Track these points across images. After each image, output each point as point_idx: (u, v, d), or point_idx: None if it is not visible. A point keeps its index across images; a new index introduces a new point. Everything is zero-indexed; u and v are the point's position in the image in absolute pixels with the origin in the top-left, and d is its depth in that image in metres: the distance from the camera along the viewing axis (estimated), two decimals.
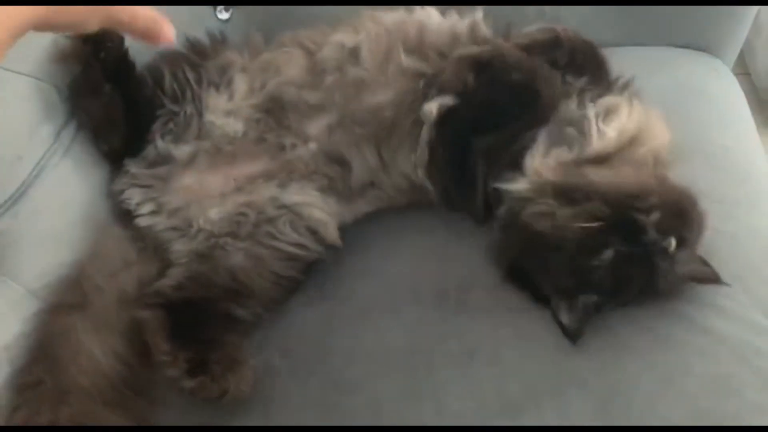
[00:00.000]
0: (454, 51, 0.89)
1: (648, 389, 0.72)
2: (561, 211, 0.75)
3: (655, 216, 0.72)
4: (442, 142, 0.85)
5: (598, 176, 0.77)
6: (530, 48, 0.89)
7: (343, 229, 0.90)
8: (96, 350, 0.77)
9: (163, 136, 0.90)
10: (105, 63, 0.85)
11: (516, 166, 0.81)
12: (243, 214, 0.86)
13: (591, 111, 0.82)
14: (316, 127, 0.89)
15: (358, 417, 0.75)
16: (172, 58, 0.94)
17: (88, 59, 0.85)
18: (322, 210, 0.88)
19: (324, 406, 0.77)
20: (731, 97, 1.08)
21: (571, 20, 1.15)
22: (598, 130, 0.80)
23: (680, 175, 0.89)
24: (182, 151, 0.89)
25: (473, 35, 0.93)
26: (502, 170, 0.81)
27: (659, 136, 0.84)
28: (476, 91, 0.84)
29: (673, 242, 0.73)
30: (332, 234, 0.88)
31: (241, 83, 0.92)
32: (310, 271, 0.88)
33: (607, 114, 0.82)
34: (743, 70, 1.89)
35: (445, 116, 0.85)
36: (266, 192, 0.87)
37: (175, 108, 0.91)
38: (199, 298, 0.82)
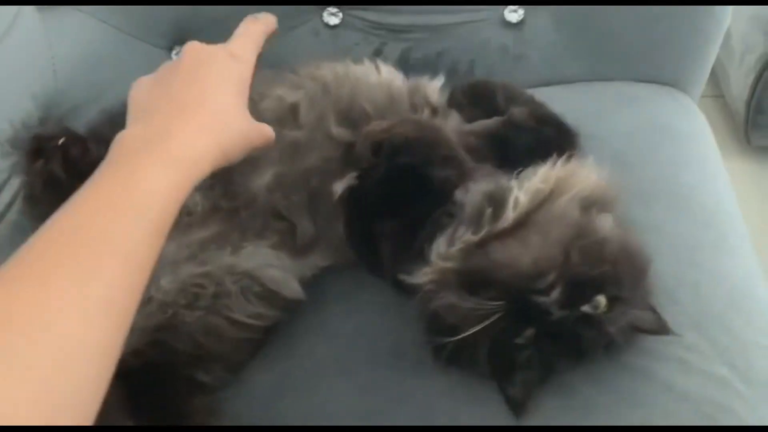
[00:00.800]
0: (387, 116, 0.86)
1: None
2: (464, 303, 0.69)
3: (556, 294, 0.67)
4: (345, 221, 0.83)
5: (500, 254, 0.71)
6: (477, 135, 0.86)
7: (304, 283, 0.87)
8: None
9: None
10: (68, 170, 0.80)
11: (421, 255, 0.75)
12: (200, 285, 0.82)
13: (512, 182, 0.77)
14: (258, 184, 0.86)
15: None
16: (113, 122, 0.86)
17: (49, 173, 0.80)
18: (278, 268, 0.84)
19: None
20: (698, 134, 1.06)
21: (535, 57, 1.13)
22: (515, 200, 0.74)
23: (642, 218, 0.88)
24: None
25: (413, 99, 0.90)
26: (408, 259, 0.76)
27: (584, 180, 0.78)
28: (372, 172, 0.80)
29: (603, 302, 0.69)
30: (293, 290, 0.85)
31: None
32: (273, 332, 0.85)
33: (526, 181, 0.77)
34: (717, 92, 1.88)
35: (348, 195, 0.82)
36: (221, 260, 0.83)
37: None
38: (160, 362, 0.79)
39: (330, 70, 0.91)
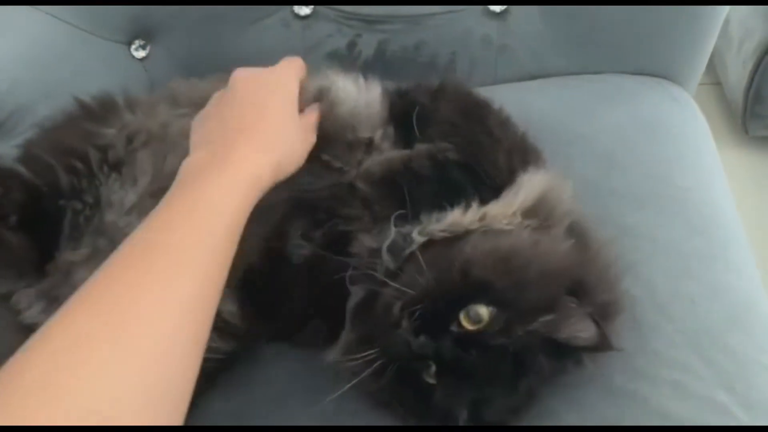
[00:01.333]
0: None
1: None
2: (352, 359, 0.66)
3: (405, 323, 0.61)
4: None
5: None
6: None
7: None
8: None
9: (64, 249, 0.78)
10: (3, 216, 0.75)
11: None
12: None
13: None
14: None
15: None
16: (57, 140, 0.81)
17: None
18: (233, 300, 0.76)
19: None
20: (693, 131, 0.98)
21: (520, 49, 1.06)
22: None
23: (632, 224, 0.82)
24: (81, 254, 0.78)
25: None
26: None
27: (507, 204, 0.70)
28: None
29: (484, 313, 0.61)
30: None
31: (146, 164, 0.79)
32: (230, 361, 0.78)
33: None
34: (714, 80, 1.81)
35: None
36: None
37: (77, 205, 0.79)
38: None
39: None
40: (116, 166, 0.80)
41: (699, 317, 0.74)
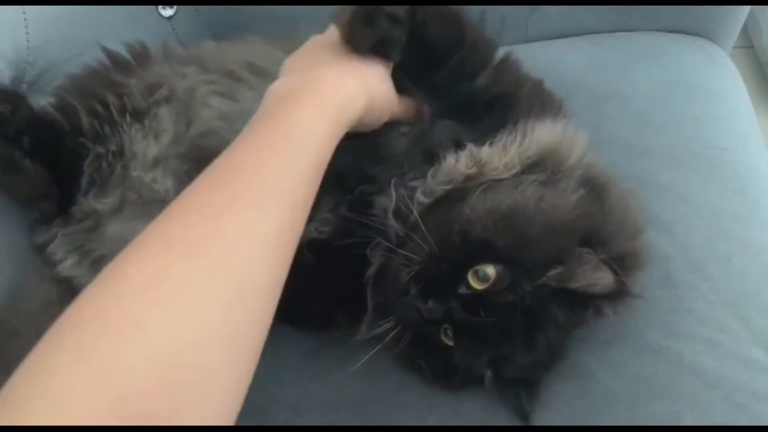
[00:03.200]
0: None
1: None
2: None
3: (413, 290, 0.62)
4: None
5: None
6: None
7: None
8: None
9: (86, 194, 0.80)
10: (16, 138, 0.75)
11: None
12: None
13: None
14: None
15: None
16: (83, 86, 0.82)
17: None
18: None
19: None
20: (730, 89, 0.96)
21: (551, 6, 1.04)
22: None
23: (667, 183, 0.81)
24: (107, 204, 0.79)
25: None
26: None
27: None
28: None
29: (490, 272, 0.60)
30: None
31: (167, 123, 0.80)
32: None
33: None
34: (747, 43, 1.77)
35: None
36: None
37: (100, 149, 0.80)
38: None
39: None
40: (137, 116, 0.81)
41: (735, 276, 0.73)
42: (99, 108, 0.80)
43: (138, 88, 0.81)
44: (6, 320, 0.74)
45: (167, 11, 1.04)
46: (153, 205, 0.78)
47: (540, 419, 0.66)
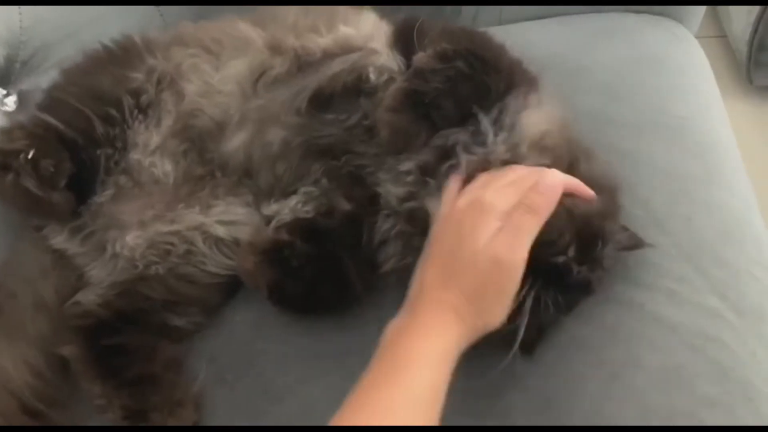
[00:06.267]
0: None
1: (594, 388, 0.68)
2: None
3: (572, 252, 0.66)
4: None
5: None
6: None
7: None
8: (7, 363, 0.73)
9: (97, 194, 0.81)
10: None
11: None
12: (171, 243, 0.79)
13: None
14: (231, 147, 0.80)
15: (290, 423, 0.71)
16: (92, 88, 0.81)
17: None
18: (250, 225, 0.81)
19: (253, 413, 0.73)
20: (693, 65, 1.01)
21: None
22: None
23: (633, 151, 0.85)
24: (106, 195, 0.81)
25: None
26: None
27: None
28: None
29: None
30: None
31: (170, 105, 0.82)
32: None
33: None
34: (719, 33, 1.82)
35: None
36: (191, 220, 0.80)
37: (110, 151, 0.80)
38: (130, 310, 0.77)
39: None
40: (144, 110, 0.82)
41: (694, 232, 0.78)
42: (113, 112, 0.80)
43: (149, 83, 0.82)
44: (4, 283, 0.77)
45: None
46: (146, 186, 0.81)
47: (514, 363, 0.68)
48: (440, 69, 0.70)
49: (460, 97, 0.70)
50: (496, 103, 0.71)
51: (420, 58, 0.73)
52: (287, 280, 0.75)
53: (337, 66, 0.78)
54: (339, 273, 0.75)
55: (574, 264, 0.65)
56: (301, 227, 0.76)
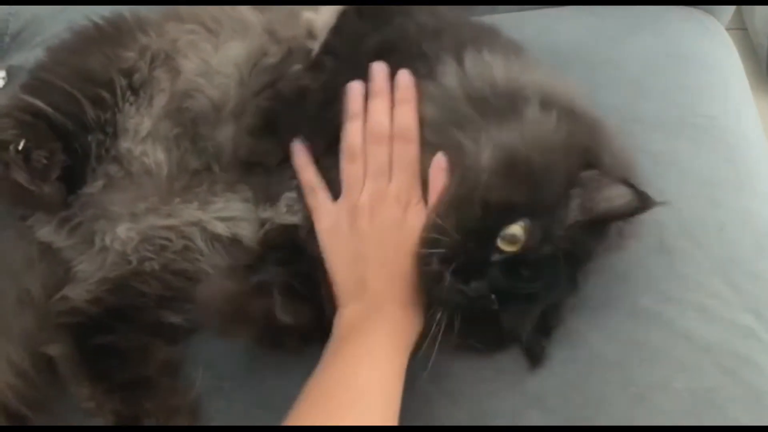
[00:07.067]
0: None
1: (619, 410, 0.63)
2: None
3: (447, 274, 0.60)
4: None
5: None
6: None
7: None
8: None
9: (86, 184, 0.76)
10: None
11: None
12: (166, 238, 0.75)
13: None
14: (224, 134, 0.75)
15: None
16: (83, 69, 0.76)
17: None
18: (249, 221, 0.76)
19: (250, 424, 0.68)
20: (724, 61, 0.96)
21: None
22: None
23: (658, 150, 0.80)
24: (96, 186, 0.76)
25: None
26: None
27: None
28: None
29: (518, 231, 0.59)
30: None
31: (164, 82, 0.77)
32: None
33: None
34: (739, 25, 1.77)
35: None
36: (189, 215, 0.75)
37: (101, 137, 0.76)
38: (122, 307, 0.73)
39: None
40: (135, 91, 0.77)
41: (727, 244, 0.73)
42: (105, 94, 0.75)
43: (142, 61, 0.77)
44: None
45: None
46: (138, 177, 0.76)
47: (534, 382, 0.66)
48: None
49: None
50: None
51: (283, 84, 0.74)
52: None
53: None
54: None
55: (463, 286, 0.59)
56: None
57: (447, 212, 0.62)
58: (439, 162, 0.65)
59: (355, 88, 0.70)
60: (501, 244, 0.59)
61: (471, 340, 0.65)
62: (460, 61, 0.69)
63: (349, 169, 0.68)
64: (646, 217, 0.68)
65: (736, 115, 0.88)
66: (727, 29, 1.07)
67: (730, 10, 1.05)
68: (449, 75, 0.68)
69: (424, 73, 0.69)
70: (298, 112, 0.72)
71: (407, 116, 0.68)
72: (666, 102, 0.86)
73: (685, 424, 0.62)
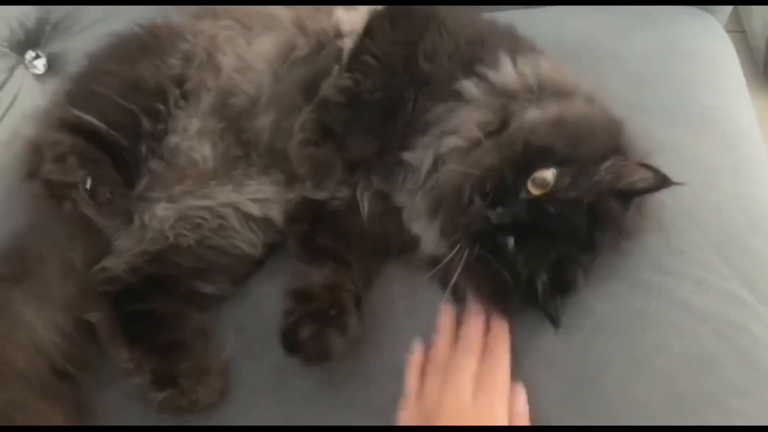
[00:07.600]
0: None
1: (622, 371, 0.68)
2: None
3: (477, 200, 0.66)
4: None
5: None
6: None
7: None
8: (36, 322, 0.72)
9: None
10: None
11: None
12: (202, 218, 0.80)
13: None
14: (262, 122, 0.80)
15: (312, 397, 0.72)
16: (137, 82, 0.80)
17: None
18: (281, 203, 0.82)
19: (279, 385, 0.73)
20: (722, 56, 1.02)
21: None
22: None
23: (659, 138, 0.84)
24: (141, 185, 0.81)
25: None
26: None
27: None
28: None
29: (548, 176, 0.65)
30: None
31: (210, 83, 0.82)
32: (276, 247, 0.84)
33: None
34: (737, 27, 1.82)
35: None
36: (224, 197, 0.81)
37: (154, 144, 0.81)
38: (159, 277, 0.77)
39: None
40: (187, 97, 0.82)
41: (723, 223, 0.78)
42: (161, 106, 0.80)
43: (189, 68, 0.81)
44: (32, 246, 0.77)
45: None
46: (181, 167, 0.81)
47: (542, 346, 0.71)
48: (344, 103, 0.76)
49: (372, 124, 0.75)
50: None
51: (326, 88, 0.77)
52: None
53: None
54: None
55: (489, 211, 0.65)
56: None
57: (491, 146, 0.68)
58: None
59: (446, 312, 0.73)
60: (530, 186, 0.65)
61: (485, 291, 0.70)
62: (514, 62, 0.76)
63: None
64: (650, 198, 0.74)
65: (733, 107, 0.94)
66: (726, 31, 1.12)
67: (728, 10, 1.10)
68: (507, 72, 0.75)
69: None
70: (352, 117, 0.76)
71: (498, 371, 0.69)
72: (668, 93, 0.91)
73: (685, 385, 0.67)
